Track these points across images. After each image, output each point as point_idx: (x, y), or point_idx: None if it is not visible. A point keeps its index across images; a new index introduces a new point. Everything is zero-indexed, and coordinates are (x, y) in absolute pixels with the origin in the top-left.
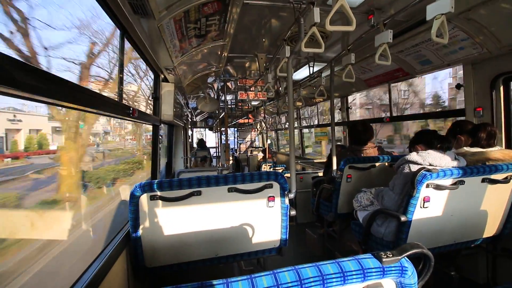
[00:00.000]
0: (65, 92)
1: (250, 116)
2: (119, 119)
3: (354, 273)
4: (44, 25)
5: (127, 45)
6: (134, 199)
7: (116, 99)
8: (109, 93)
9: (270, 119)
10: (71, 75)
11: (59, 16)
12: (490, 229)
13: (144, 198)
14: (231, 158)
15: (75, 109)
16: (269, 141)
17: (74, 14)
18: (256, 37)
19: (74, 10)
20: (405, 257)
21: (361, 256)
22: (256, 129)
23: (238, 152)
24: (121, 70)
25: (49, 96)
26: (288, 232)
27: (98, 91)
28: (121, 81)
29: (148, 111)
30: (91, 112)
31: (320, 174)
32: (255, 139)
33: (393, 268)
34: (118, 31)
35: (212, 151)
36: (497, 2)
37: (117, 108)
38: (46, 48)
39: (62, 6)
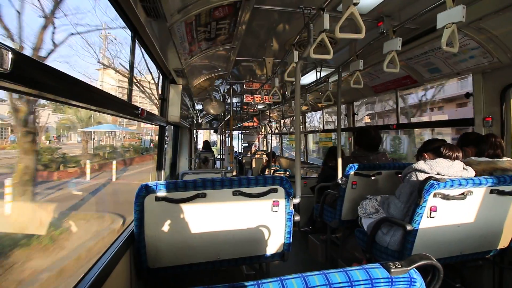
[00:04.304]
0: (77, 91)
1: (255, 119)
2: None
3: (362, 282)
4: (58, 26)
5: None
6: (139, 199)
7: (125, 99)
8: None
9: (275, 123)
10: (82, 75)
11: (74, 18)
12: (498, 242)
13: (149, 199)
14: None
15: (86, 108)
16: (274, 144)
17: (89, 16)
18: (265, 41)
19: (89, 13)
20: (414, 268)
21: (369, 266)
22: (260, 133)
23: (242, 156)
24: (131, 71)
25: (61, 94)
26: (291, 237)
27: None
28: (130, 81)
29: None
30: (101, 111)
31: None
32: (258, 142)
33: (401, 279)
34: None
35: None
36: (509, 11)
37: (126, 108)
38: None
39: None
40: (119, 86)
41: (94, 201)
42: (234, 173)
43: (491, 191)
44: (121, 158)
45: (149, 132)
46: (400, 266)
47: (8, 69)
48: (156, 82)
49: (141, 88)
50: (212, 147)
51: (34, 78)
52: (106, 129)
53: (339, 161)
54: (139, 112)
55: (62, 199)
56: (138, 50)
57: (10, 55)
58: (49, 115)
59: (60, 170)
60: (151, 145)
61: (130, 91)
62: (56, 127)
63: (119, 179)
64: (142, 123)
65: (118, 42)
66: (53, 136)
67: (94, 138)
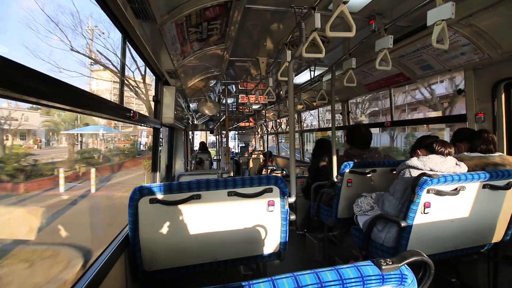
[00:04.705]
0: (67, 95)
1: (250, 119)
2: None
3: (353, 280)
4: (45, 28)
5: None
6: (133, 202)
7: (117, 102)
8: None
9: (271, 122)
10: (72, 79)
11: (61, 19)
12: (492, 236)
13: (143, 202)
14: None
15: (76, 112)
16: (271, 144)
17: (77, 17)
18: (258, 41)
19: (77, 14)
20: (405, 265)
21: (361, 263)
22: (257, 133)
23: (239, 156)
24: (122, 73)
25: (51, 99)
26: (287, 236)
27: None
28: (122, 84)
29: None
30: (92, 115)
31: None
32: (254, 142)
33: (392, 276)
34: (120, 34)
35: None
36: (499, 8)
37: (118, 111)
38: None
39: (64, 12)
40: (113, 82)
41: (57, 224)
42: (231, 174)
43: (484, 186)
44: (109, 163)
45: (143, 134)
46: (391, 263)
47: None
48: (142, 80)
49: (133, 89)
50: (211, 149)
51: (20, 83)
52: (93, 131)
53: (334, 159)
54: (131, 114)
55: (13, 223)
56: (128, 50)
57: None
58: (23, 115)
59: (30, 180)
60: (144, 147)
61: (121, 93)
62: (38, 129)
63: (100, 189)
64: (138, 126)
65: (106, 36)
66: (38, 140)
67: (82, 141)
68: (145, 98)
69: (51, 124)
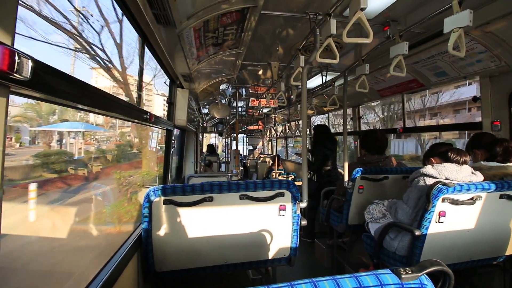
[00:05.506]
0: (87, 96)
1: (260, 123)
2: None
3: None
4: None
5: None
6: (147, 202)
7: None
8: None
9: (281, 126)
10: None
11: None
12: (508, 248)
13: (157, 202)
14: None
15: (96, 113)
16: (279, 148)
17: (99, 23)
18: (271, 46)
19: (99, 19)
20: (425, 274)
21: (379, 272)
22: (266, 136)
23: (247, 159)
24: (140, 76)
25: (71, 99)
26: (298, 242)
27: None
28: (140, 86)
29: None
30: (110, 116)
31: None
32: (262, 145)
33: (412, 285)
34: (140, 38)
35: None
36: None
37: (135, 112)
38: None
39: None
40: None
41: None
42: (239, 177)
43: (501, 196)
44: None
45: (153, 135)
46: (410, 272)
47: (28, 76)
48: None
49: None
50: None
51: (51, 85)
52: (71, 129)
53: (346, 165)
54: (148, 116)
55: None
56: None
57: (30, 64)
58: None
59: None
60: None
61: (139, 96)
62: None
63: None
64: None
65: (96, 20)
66: (8, 138)
67: (60, 141)
68: (150, 99)
69: (22, 119)
